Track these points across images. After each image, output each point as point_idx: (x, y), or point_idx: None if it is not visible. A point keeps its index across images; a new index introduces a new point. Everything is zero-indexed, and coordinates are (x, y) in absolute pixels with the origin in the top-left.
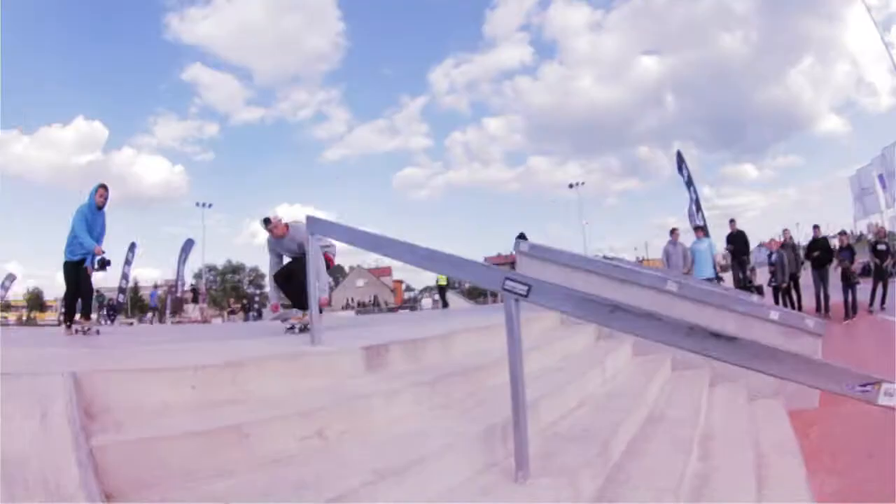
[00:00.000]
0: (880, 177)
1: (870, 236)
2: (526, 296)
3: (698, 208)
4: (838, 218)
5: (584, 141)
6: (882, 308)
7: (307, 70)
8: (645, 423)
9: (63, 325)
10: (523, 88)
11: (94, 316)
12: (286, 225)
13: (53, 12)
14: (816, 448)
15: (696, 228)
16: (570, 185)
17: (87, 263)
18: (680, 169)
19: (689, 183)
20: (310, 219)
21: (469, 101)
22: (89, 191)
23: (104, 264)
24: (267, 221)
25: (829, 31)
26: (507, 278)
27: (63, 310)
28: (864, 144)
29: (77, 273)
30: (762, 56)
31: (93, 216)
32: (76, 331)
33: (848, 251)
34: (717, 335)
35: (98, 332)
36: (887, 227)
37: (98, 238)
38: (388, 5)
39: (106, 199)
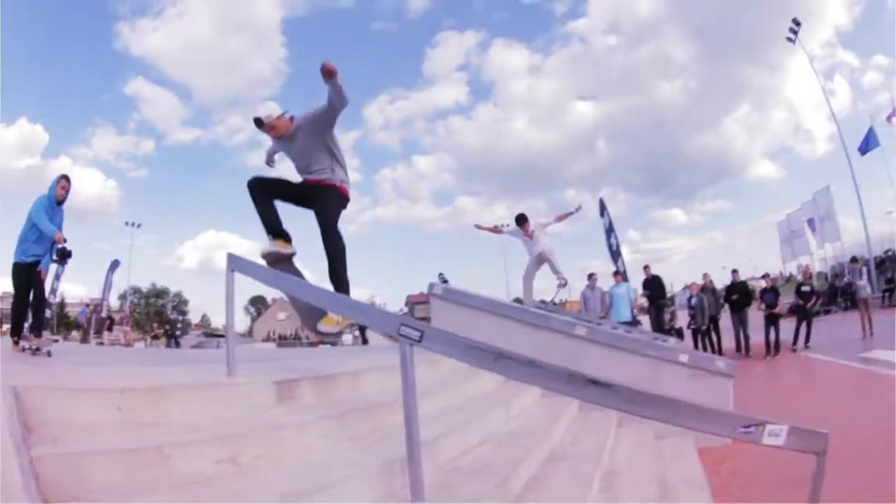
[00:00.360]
0: (810, 221)
1: (799, 277)
2: (419, 341)
3: (618, 254)
4: (765, 260)
5: (513, 182)
6: (806, 346)
7: (246, 94)
8: (547, 460)
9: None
10: (456, 128)
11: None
12: (292, 117)
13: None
14: (726, 482)
15: (615, 273)
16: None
17: (42, 266)
18: (602, 215)
19: (610, 230)
20: (230, 256)
21: (401, 138)
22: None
23: (64, 255)
24: (259, 122)
25: (769, 80)
26: (402, 324)
27: None
28: (795, 189)
29: (29, 277)
30: (699, 104)
31: (52, 211)
32: (24, 348)
33: (772, 292)
34: (594, 382)
35: (49, 353)
36: (816, 268)
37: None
38: (333, 35)
39: (67, 191)
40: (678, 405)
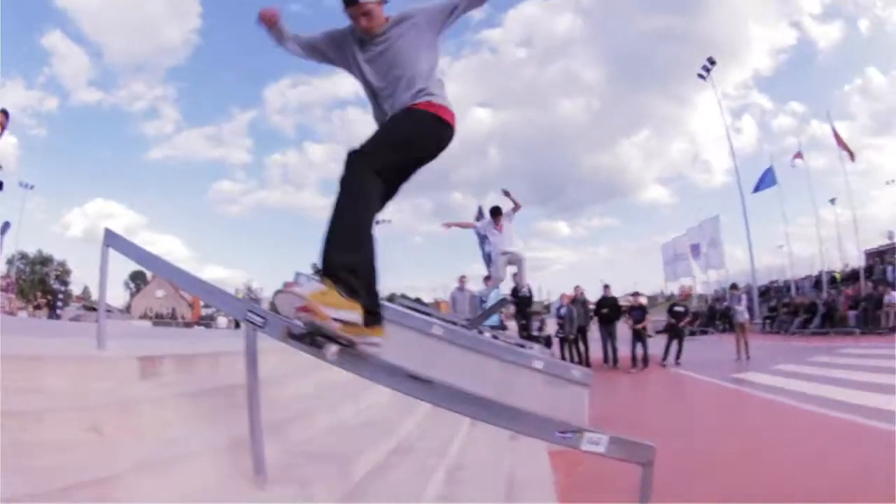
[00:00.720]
0: (694, 246)
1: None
2: (263, 327)
3: (489, 260)
4: (648, 277)
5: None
6: (677, 363)
7: (153, 61)
8: (393, 451)
9: None
10: (352, 119)
11: None
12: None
13: None
14: (575, 484)
15: (486, 278)
16: (377, 222)
17: None
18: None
19: (484, 237)
20: (108, 232)
21: (296, 124)
22: None
23: None
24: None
25: (675, 111)
26: (249, 310)
27: None
28: (686, 215)
29: None
30: (599, 124)
31: None
32: None
33: (640, 310)
34: (415, 377)
35: None
36: (699, 291)
37: None
38: (250, 12)
39: (5, 128)
40: (496, 406)
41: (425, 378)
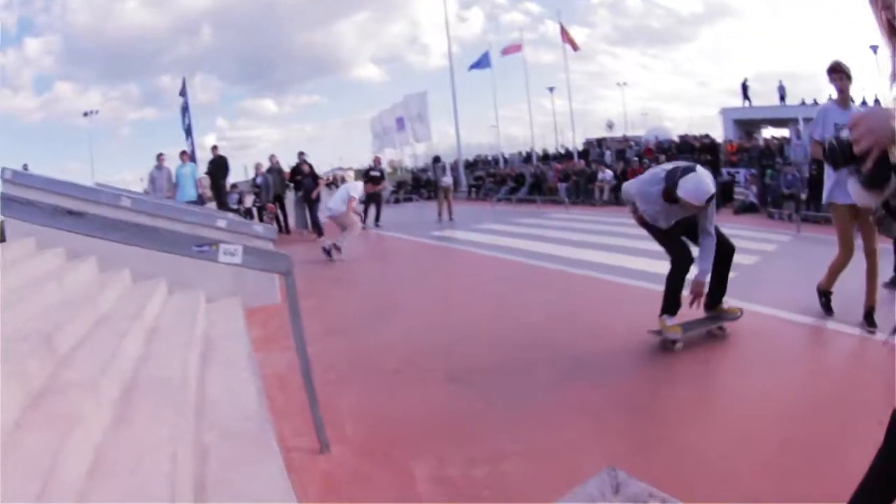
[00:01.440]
0: (398, 119)
1: (388, 168)
2: None
3: (188, 134)
4: (355, 152)
5: (111, 66)
6: (377, 225)
7: None
8: (95, 323)
9: None
10: (72, 6)
11: None
12: None
13: None
14: (268, 335)
15: (182, 153)
16: (85, 114)
17: None
18: (182, 94)
19: (185, 109)
20: None
21: (20, 17)
22: None
23: None
24: None
25: None
26: None
27: None
28: (397, 92)
29: None
30: (317, 4)
31: None
32: None
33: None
34: (72, 212)
35: None
36: (407, 164)
37: None
38: None
39: None
40: (139, 228)
41: (79, 211)
